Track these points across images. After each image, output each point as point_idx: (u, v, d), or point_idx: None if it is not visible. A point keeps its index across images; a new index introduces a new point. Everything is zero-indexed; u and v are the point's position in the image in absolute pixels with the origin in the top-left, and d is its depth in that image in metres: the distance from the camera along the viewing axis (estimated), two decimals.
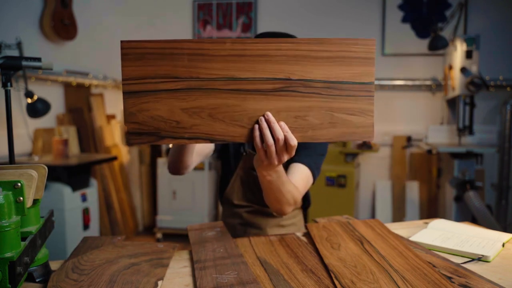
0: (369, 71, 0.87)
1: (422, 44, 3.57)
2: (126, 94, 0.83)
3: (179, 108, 0.84)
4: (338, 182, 3.42)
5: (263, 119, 0.86)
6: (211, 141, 0.86)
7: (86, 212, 2.69)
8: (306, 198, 1.43)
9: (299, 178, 1.24)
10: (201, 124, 0.85)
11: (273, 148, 0.88)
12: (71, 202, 2.56)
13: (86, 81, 3.51)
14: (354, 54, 0.87)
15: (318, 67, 0.86)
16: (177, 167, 1.22)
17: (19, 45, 2.59)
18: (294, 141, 0.88)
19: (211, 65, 0.84)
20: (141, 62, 0.84)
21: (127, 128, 0.83)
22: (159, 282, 0.80)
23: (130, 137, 0.84)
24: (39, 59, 1.01)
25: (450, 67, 3.13)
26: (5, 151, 2.16)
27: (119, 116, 4.18)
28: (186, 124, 0.85)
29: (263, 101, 0.85)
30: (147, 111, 0.84)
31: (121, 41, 0.83)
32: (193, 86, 0.84)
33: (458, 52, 2.99)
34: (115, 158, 3.15)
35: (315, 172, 1.30)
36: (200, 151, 1.30)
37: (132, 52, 0.84)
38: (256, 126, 0.86)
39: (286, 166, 1.31)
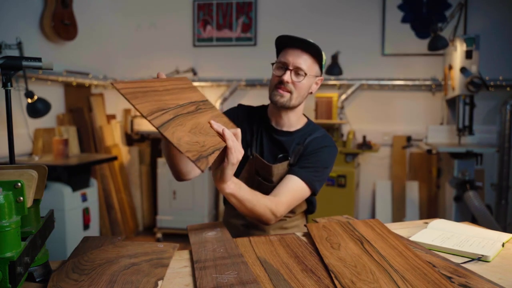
0: (202, 94, 1.21)
1: (422, 44, 3.57)
2: (161, 127, 0.85)
3: (187, 132, 0.92)
4: (338, 182, 3.42)
5: (214, 125, 1.03)
6: (219, 150, 0.98)
7: (86, 212, 2.69)
8: (311, 204, 1.44)
9: (286, 189, 1.25)
10: (205, 140, 0.96)
11: (235, 142, 1.04)
12: (71, 202, 2.56)
13: (86, 81, 3.52)
14: (190, 85, 1.20)
15: (191, 93, 1.15)
16: (177, 175, 1.25)
17: (19, 45, 2.59)
18: (238, 130, 1.08)
19: (167, 97, 0.98)
20: (140, 100, 0.87)
21: (190, 157, 0.85)
22: (159, 282, 0.80)
23: (198, 163, 0.86)
24: (39, 59, 1.01)
25: (450, 67, 3.13)
26: (5, 151, 2.16)
27: (119, 116, 4.18)
28: (201, 141, 0.94)
29: (201, 117, 1.06)
30: (181, 138, 0.88)
31: (112, 83, 0.84)
32: (175, 114, 0.95)
33: (458, 52, 2.99)
34: (115, 158, 3.16)
35: (314, 184, 1.30)
36: None
37: (130, 92, 0.86)
38: (222, 130, 1.03)
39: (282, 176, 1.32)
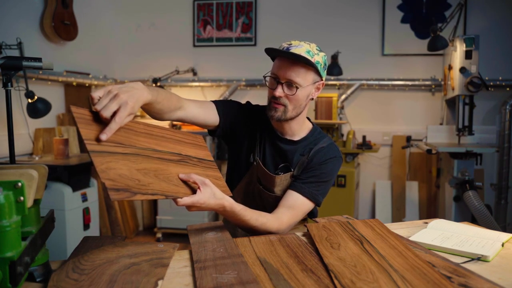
0: (209, 153, 1.23)
1: (422, 44, 3.57)
2: (92, 153, 0.84)
3: (134, 169, 0.91)
4: (338, 182, 3.42)
5: (181, 175, 1.03)
6: (166, 196, 0.96)
7: (86, 212, 2.69)
8: (312, 215, 1.42)
9: (288, 206, 1.24)
10: (153, 183, 0.94)
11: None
12: (71, 202, 2.56)
13: (86, 81, 3.52)
14: (200, 143, 1.22)
15: (190, 148, 1.16)
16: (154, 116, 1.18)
17: (19, 45, 2.59)
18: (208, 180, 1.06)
19: (139, 138, 0.98)
20: (92, 127, 0.87)
21: (106, 184, 0.82)
22: (159, 282, 0.80)
23: (111, 193, 0.83)
24: (39, 60, 1.01)
25: (450, 67, 3.13)
26: (5, 151, 2.18)
27: None
28: (144, 182, 0.92)
29: (176, 167, 1.05)
30: (113, 169, 0.86)
31: (71, 106, 0.86)
32: (135, 152, 0.94)
33: (457, 52, 2.99)
34: None
35: (317, 198, 1.28)
36: (196, 115, 1.26)
37: (82, 116, 0.87)
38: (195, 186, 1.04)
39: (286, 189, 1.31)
